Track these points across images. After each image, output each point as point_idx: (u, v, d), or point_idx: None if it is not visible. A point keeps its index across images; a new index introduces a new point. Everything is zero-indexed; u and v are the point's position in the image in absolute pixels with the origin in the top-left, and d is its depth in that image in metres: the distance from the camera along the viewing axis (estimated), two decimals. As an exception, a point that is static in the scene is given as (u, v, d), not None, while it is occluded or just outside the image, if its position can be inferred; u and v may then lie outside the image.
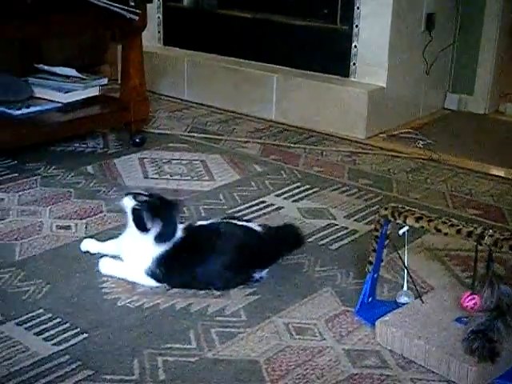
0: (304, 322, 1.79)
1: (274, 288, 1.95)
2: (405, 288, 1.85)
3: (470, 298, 1.70)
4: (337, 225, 2.35)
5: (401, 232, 1.76)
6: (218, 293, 1.91)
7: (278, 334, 1.74)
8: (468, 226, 1.65)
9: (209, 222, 2.07)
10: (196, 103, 3.74)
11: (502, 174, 2.90)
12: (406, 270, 1.85)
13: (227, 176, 2.76)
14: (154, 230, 1.90)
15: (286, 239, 2.08)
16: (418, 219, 1.71)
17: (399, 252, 1.83)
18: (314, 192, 2.63)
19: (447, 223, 1.67)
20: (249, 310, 1.84)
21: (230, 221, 2.08)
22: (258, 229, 2.03)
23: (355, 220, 2.39)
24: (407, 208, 1.76)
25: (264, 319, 1.80)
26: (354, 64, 3.35)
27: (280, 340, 1.72)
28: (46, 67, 3.15)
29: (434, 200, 2.59)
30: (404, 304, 1.81)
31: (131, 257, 1.96)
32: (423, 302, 1.77)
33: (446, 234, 1.67)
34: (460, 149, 3.16)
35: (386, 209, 1.77)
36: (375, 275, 1.83)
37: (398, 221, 1.74)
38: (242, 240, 1.97)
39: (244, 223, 2.06)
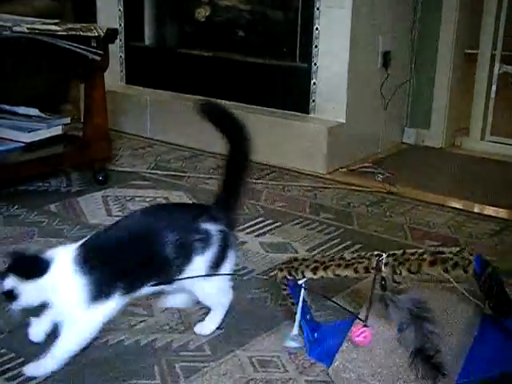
0: (267, 355, 1.81)
1: (238, 322, 1.97)
2: (294, 332, 1.84)
3: (360, 331, 1.65)
4: (299, 258, 2.38)
5: (300, 282, 1.77)
6: (183, 327, 1.93)
7: (242, 367, 1.76)
8: (363, 260, 1.64)
9: None
10: (159, 141, 3.77)
11: (459, 205, 2.97)
12: (297, 316, 1.83)
13: (190, 212, 2.78)
14: None
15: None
16: (314, 270, 1.71)
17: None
18: (276, 226, 2.67)
19: (342, 265, 1.67)
20: (213, 345, 1.86)
21: None
22: None
23: (317, 253, 2.42)
24: (300, 260, 1.76)
25: (228, 353, 1.82)
26: (314, 101, 3.42)
27: (244, 373, 1.73)
28: (7, 107, 3.16)
29: (394, 232, 2.65)
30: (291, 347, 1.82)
31: None
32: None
33: (345, 276, 1.67)
34: (418, 182, 3.23)
35: (281, 270, 1.77)
36: (308, 317, 1.84)
37: (297, 277, 1.74)
38: None
39: None
